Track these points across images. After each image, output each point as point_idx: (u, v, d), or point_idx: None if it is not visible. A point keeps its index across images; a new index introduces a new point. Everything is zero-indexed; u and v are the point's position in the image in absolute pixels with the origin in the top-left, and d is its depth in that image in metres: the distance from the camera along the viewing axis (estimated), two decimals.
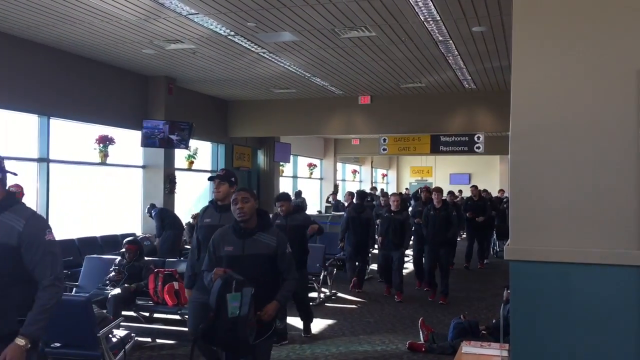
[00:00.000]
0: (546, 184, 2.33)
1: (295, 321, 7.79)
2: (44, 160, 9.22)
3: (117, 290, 6.39)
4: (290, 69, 10.52)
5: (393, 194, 9.58)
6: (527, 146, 2.36)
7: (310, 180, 20.58)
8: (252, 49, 9.12)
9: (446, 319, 7.75)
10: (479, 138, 13.00)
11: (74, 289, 7.14)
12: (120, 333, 5.09)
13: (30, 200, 9.12)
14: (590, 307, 2.25)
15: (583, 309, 2.25)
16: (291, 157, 17.58)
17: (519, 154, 2.37)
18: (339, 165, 23.22)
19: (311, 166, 20.53)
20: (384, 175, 29.71)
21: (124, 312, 6.46)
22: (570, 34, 2.35)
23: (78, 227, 10.08)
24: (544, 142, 2.34)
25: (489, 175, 25.41)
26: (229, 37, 8.38)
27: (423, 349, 6.27)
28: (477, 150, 13.05)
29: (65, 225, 9.87)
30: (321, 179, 21.55)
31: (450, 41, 8.63)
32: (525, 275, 2.30)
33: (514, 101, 2.38)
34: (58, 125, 9.60)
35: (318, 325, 7.50)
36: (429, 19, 7.56)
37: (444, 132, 13.18)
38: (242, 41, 8.63)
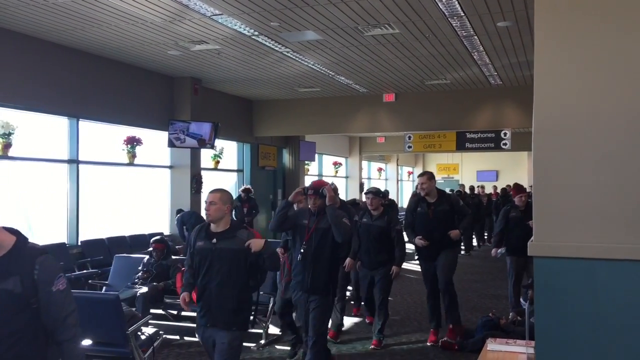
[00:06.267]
0: (570, 179, 2.30)
1: None
2: (74, 161, 9.40)
3: (146, 289, 6.49)
4: (314, 67, 10.54)
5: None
6: (551, 141, 2.32)
7: (336, 179, 20.57)
8: (276, 49, 9.16)
9: (474, 317, 7.70)
10: (505, 134, 12.86)
11: (104, 288, 7.27)
12: (148, 331, 5.17)
13: (61, 201, 9.33)
14: (617, 303, 2.20)
15: (609, 305, 2.21)
16: (316, 155, 17.60)
17: (542, 150, 2.34)
18: (365, 163, 23.16)
19: (336, 164, 20.53)
20: (409, 173, 29.55)
21: (152, 310, 6.55)
22: (595, 26, 2.31)
23: (107, 227, 10.26)
24: (567, 137, 2.30)
25: (516, 172, 25.08)
26: (253, 37, 8.44)
27: (456, 347, 6.27)
28: (503, 146, 12.91)
29: (95, 225, 10.05)
30: (347, 177, 21.53)
31: (475, 37, 8.54)
32: (549, 271, 2.26)
33: (536, 96, 2.35)
34: (87, 127, 9.78)
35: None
36: (452, 15, 7.51)
37: (470, 128, 13.05)
38: (265, 41, 8.67)
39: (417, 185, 6.69)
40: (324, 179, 19.70)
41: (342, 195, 20.78)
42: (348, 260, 6.38)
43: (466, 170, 28.06)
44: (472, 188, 16.08)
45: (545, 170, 2.32)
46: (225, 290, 3.99)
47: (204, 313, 4.08)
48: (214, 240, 4.02)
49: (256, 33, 8.26)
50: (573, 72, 2.31)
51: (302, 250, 4.85)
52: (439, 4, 7.09)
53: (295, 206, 5.32)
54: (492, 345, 3.23)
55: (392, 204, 10.26)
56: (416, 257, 7.05)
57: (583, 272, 2.23)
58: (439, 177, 29.12)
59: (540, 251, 2.26)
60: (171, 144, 11.07)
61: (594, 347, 2.22)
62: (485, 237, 16.97)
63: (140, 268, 6.92)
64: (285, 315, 5.96)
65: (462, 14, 7.47)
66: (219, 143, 12.45)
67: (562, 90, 2.32)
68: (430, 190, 6.36)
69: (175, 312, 7.15)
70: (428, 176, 6.37)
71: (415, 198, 6.70)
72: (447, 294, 6.48)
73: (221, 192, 4.07)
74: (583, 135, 2.28)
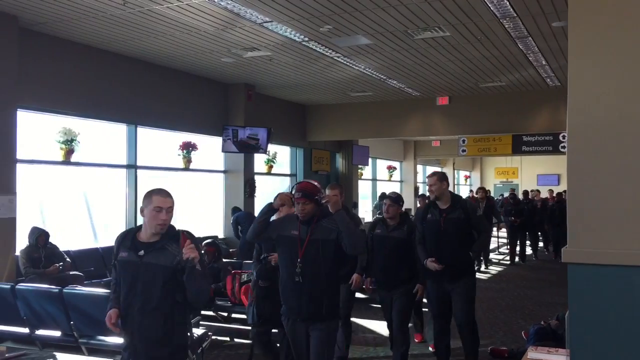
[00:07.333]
0: (605, 183, 2.22)
1: (368, 323, 7.82)
2: (132, 166, 9.75)
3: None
4: (366, 72, 10.55)
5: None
6: (585, 145, 2.25)
7: (390, 183, 20.47)
8: (327, 54, 9.22)
9: (527, 324, 7.51)
10: (564, 137, 12.46)
11: None
12: (198, 332, 5.30)
13: (120, 205, 9.68)
14: None
15: None
16: (370, 159, 17.57)
17: (576, 154, 2.28)
18: (419, 167, 22.95)
19: (390, 169, 20.42)
20: (466, 177, 29.06)
21: (203, 312, 6.72)
22: (629, 27, 2.24)
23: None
24: (602, 141, 2.23)
25: None
26: (304, 42, 8.52)
27: (506, 355, 6.14)
28: (562, 150, 12.52)
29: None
30: (401, 181, 21.39)
31: (530, 38, 8.35)
32: (583, 279, 2.19)
33: (570, 98, 2.29)
34: (144, 133, 10.12)
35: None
36: (504, 16, 7.36)
37: (527, 131, 12.74)
38: (316, 46, 8.75)
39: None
40: (378, 184, 19.62)
41: None
42: (355, 276, 5.46)
43: (526, 174, 27.33)
44: (525, 192, 15.54)
45: (579, 175, 2.26)
46: (149, 316, 3.22)
47: (127, 345, 3.33)
48: (141, 253, 3.24)
49: (306, 39, 8.34)
50: (608, 74, 2.24)
51: (297, 270, 3.90)
52: (490, 6, 6.97)
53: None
54: (533, 354, 3.15)
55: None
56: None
57: (619, 280, 2.15)
58: (497, 181, 28.52)
59: (574, 258, 2.20)
60: (225, 149, 11.32)
61: (630, 357, 2.14)
62: (540, 246, 15.74)
63: None
64: (265, 346, 5.02)
65: (515, 15, 7.32)
66: (272, 148, 12.62)
67: (597, 93, 2.25)
68: (441, 194, 5.22)
69: (225, 314, 7.29)
70: (438, 176, 5.26)
71: (425, 204, 5.59)
72: (467, 335, 5.32)
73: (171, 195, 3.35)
74: (618, 139, 2.21)
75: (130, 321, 3.27)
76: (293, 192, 4.01)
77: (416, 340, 6.45)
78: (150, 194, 3.29)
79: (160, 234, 3.27)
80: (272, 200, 4.38)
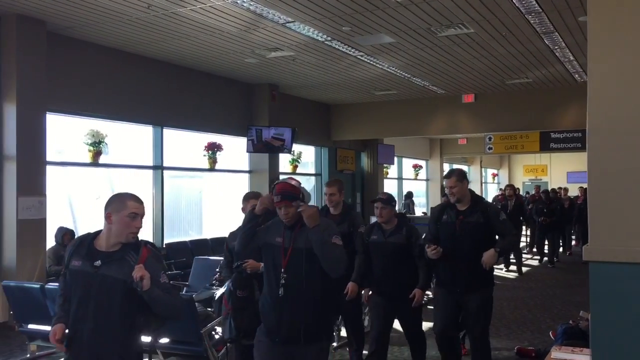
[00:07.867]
0: (626, 180, 2.17)
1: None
2: (159, 167, 9.87)
3: (222, 291, 6.69)
4: (389, 70, 10.50)
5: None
6: (606, 141, 2.21)
7: (416, 182, 20.35)
8: (350, 53, 9.21)
9: (555, 324, 7.40)
10: None
11: (184, 289, 7.56)
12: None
13: (146, 205, 9.80)
14: None
15: None
16: (395, 158, 17.48)
17: (597, 150, 2.23)
18: (446, 165, 22.75)
19: (416, 167, 20.29)
20: (494, 175, 28.72)
21: None
22: None
23: (190, 230, 10.68)
24: (624, 137, 2.19)
25: None
26: (326, 42, 8.53)
27: (533, 354, 6.06)
28: None
29: (179, 228, 10.49)
30: (427, 180, 21.24)
31: (556, 33, 8.22)
32: (605, 277, 2.15)
33: (590, 93, 2.25)
34: (170, 134, 10.24)
35: None
36: (529, 12, 7.26)
37: (555, 128, 12.53)
38: (339, 45, 8.74)
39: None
40: (404, 183, 19.51)
41: (422, 199, 20.53)
42: (350, 284, 4.92)
43: (555, 172, 26.89)
44: (553, 190, 15.13)
45: (601, 172, 2.21)
46: (102, 339, 2.83)
47: None
48: (97, 263, 2.86)
49: (329, 38, 8.34)
50: (628, 71, 2.19)
51: (282, 281, 3.34)
52: (514, 1, 6.88)
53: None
54: (556, 354, 3.10)
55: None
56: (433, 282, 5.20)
57: None
58: (525, 179, 28.09)
59: (596, 256, 2.16)
60: (250, 149, 11.38)
61: None
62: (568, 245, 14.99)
63: (217, 270, 7.13)
64: None
65: (540, 10, 7.22)
66: (296, 147, 12.64)
67: (618, 88, 2.21)
68: (463, 196, 4.60)
69: None
70: (457, 176, 4.60)
71: (440, 205, 5.08)
72: (478, 351, 4.74)
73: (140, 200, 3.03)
74: (639, 136, 2.16)
75: (77, 343, 2.85)
76: (273, 195, 3.41)
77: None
78: (123, 199, 2.94)
79: (122, 243, 2.91)
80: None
